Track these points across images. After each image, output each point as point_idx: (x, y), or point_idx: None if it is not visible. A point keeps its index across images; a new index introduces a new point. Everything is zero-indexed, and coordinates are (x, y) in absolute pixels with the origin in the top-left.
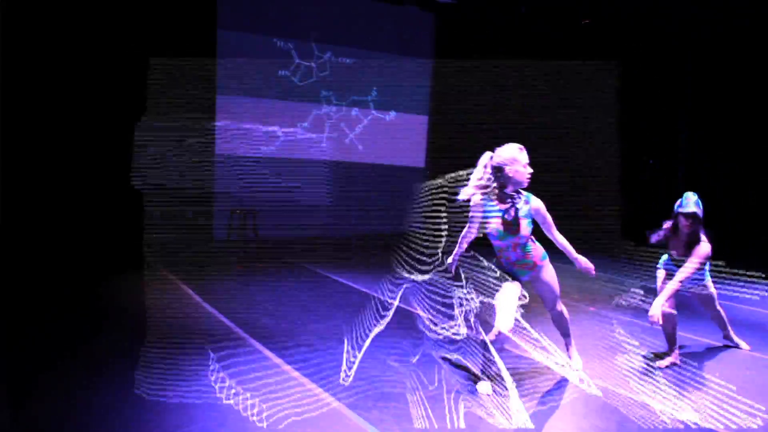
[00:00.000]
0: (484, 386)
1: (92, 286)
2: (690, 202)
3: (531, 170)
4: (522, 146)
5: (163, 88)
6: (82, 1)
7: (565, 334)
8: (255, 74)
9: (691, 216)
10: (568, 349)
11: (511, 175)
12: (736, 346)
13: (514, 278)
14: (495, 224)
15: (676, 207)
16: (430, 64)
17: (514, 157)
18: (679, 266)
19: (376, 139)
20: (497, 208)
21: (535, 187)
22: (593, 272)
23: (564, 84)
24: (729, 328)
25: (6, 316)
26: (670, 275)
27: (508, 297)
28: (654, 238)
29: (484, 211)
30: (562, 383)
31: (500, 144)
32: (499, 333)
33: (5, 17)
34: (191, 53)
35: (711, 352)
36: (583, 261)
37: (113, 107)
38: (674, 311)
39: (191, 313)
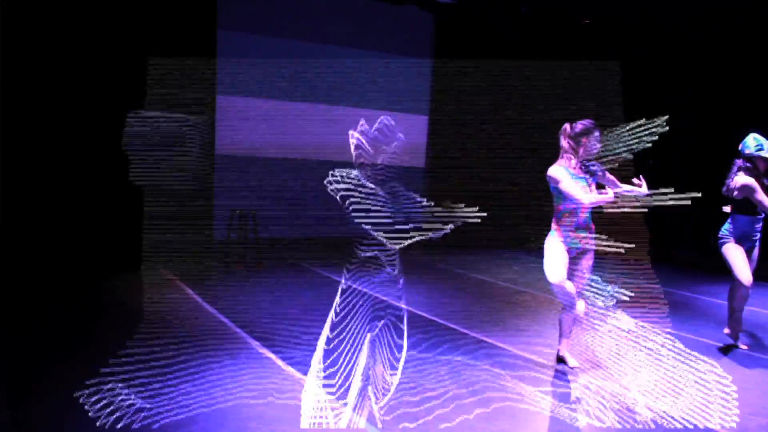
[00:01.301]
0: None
1: (92, 286)
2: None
3: (600, 145)
4: (595, 123)
5: (163, 88)
6: (81, 1)
7: (566, 334)
8: (255, 74)
9: None
10: (562, 348)
11: (584, 142)
12: (734, 343)
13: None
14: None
15: (754, 150)
16: (430, 64)
17: (588, 128)
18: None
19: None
20: (578, 174)
21: (538, 185)
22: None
23: (564, 84)
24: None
25: (6, 315)
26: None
27: (555, 250)
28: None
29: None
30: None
31: (499, 144)
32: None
33: (5, 17)
34: (191, 53)
35: (711, 352)
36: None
37: (113, 107)
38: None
39: (191, 313)
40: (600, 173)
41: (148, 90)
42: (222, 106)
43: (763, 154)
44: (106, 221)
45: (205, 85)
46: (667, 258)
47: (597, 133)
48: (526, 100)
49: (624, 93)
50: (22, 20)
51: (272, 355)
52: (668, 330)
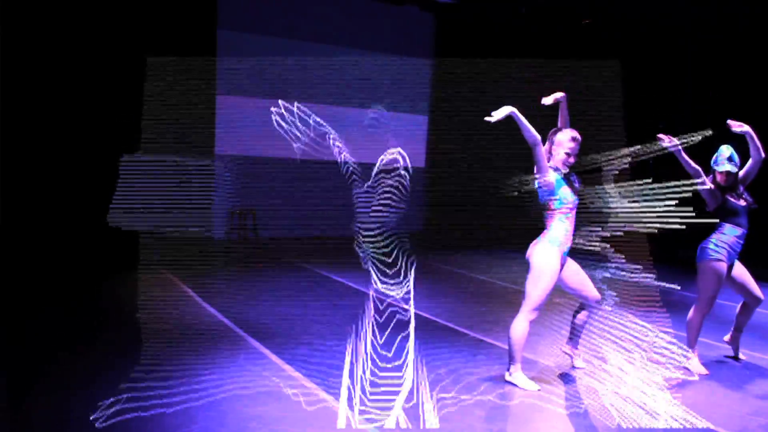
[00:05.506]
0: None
1: (92, 286)
2: (723, 159)
3: (572, 160)
4: (576, 136)
5: (163, 89)
6: (81, 1)
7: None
8: (255, 74)
9: (725, 173)
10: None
11: (554, 154)
12: (734, 355)
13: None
14: (567, 190)
15: (712, 164)
16: (430, 64)
17: (560, 141)
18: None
19: (375, 139)
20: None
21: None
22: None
23: (564, 84)
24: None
25: (6, 315)
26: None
27: (550, 260)
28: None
29: (557, 180)
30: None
31: (499, 144)
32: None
33: (5, 17)
34: (191, 53)
35: (711, 352)
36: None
37: (112, 108)
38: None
39: (191, 313)
40: (577, 185)
41: (147, 90)
42: (222, 106)
43: (717, 168)
44: (106, 221)
45: (205, 85)
46: (668, 258)
47: (573, 145)
48: (527, 100)
49: (624, 93)
50: (22, 20)
51: (272, 355)
52: (669, 330)
